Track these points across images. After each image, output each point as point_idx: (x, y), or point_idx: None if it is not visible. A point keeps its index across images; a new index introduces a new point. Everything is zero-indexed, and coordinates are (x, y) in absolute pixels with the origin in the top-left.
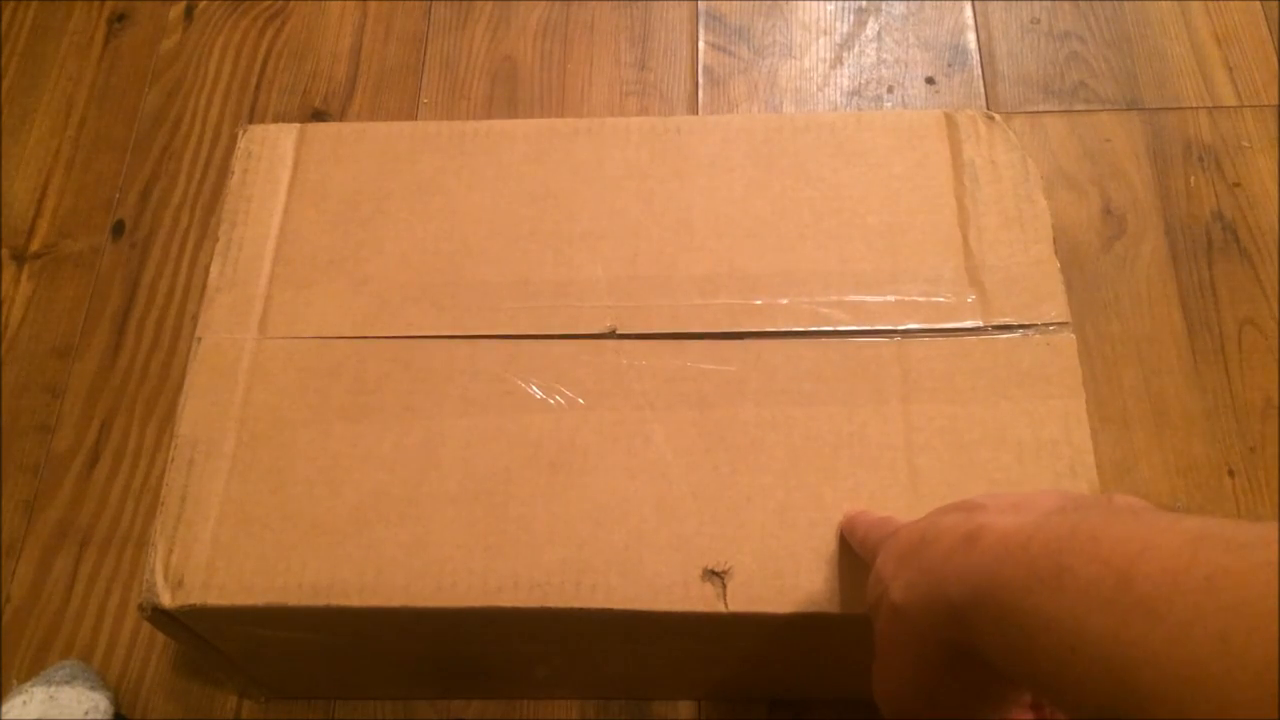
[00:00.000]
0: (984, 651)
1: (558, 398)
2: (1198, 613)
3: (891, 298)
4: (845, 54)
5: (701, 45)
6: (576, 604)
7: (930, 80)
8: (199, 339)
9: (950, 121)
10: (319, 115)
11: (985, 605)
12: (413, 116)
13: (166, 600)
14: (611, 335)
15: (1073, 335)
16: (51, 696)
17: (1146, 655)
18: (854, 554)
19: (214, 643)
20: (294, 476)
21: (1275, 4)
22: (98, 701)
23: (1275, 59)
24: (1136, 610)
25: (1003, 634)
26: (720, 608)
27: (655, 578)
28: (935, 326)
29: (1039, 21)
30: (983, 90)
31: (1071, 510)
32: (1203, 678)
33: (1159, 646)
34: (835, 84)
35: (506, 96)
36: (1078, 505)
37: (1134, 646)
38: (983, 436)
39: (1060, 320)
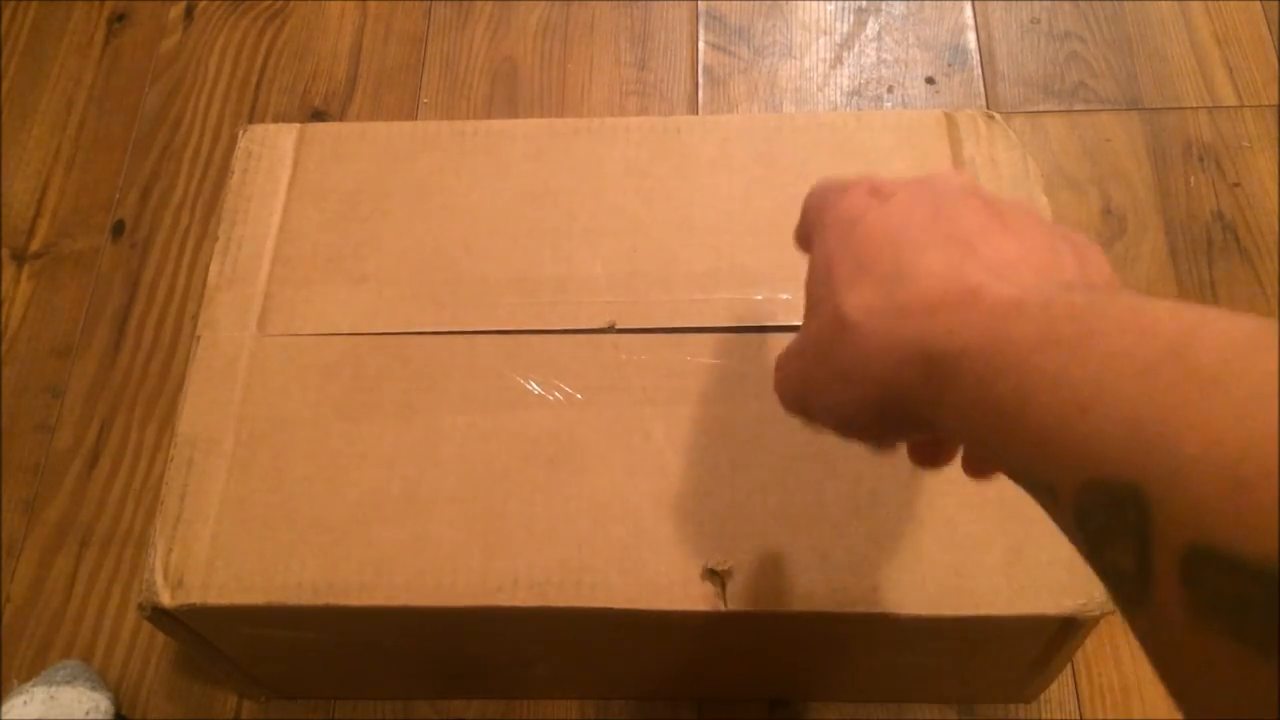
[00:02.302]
0: (944, 415)
1: (557, 394)
2: (1267, 386)
3: None
4: (845, 54)
5: (701, 45)
6: (576, 603)
7: (930, 80)
8: (199, 338)
9: (950, 121)
10: (319, 115)
11: (974, 359)
12: (413, 116)
13: (166, 600)
14: (611, 330)
15: None
16: (52, 696)
17: (1200, 424)
18: (854, 553)
19: (214, 642)
20: (293, 475)
21: (1275, 4)
22: (98, 701)
23: (1275, 59)
24: (1191, 379)
25: (988, 392)
26: (720, 607)
27: (655, 577)
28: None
29: (1039, 21)
30: (983, 90)
31: (1099, 288)
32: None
33: (1219, 417)
34: (835, 84)
35: (506, 96)
36: (1104, 285)
37: (1183, 412)
38: None
39: None
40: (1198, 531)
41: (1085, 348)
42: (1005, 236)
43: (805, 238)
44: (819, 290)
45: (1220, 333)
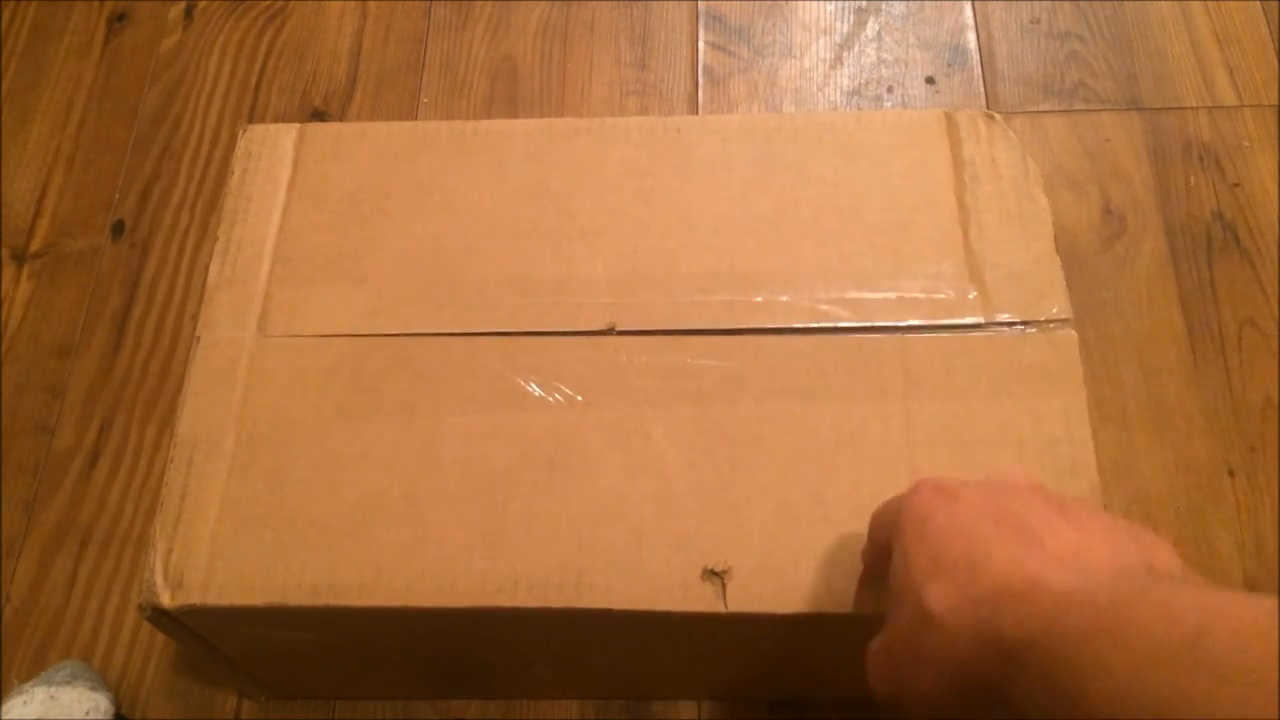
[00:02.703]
0: (1018, 701)
1: (557, 395)
2: (1267, 674)
3: (892, 294)
4: (845, 54)
5: (701, 45)
6: (576, 604)
7: (930, 80)
8: (198, 338)
9: (950, 120)
10: (319, 115)
11: (1036, 653)
12: (413, 116)
13: (166, 600)
14: (611, 332)
15: (1074, 332)
16: (52, 697)
17: (1209, 711)
18: (854, 553)
19: (214, 643)
20: (293, 476)
21: (1275, 4)
22: (98, 702)
23: (1275, 59)
24: (1204, 668)
25: (1049, 683)
26: (720, 608)
27: (655, 577)
28: (936, 323)
29: (1039, 21)
30: (983, 90)
31: (1139, 575)
32: None
33: (1224, 704)
34: (835, 84)
35: (506, 96)
36: (1145, 570)
37: (1198, 704)
38: (983, 434)
39: (1062, 317)
40: None
41: (1124, 637)
42: (1067, 526)
43: (873, 553)
44: (900, 585)
45: (1232, 621)
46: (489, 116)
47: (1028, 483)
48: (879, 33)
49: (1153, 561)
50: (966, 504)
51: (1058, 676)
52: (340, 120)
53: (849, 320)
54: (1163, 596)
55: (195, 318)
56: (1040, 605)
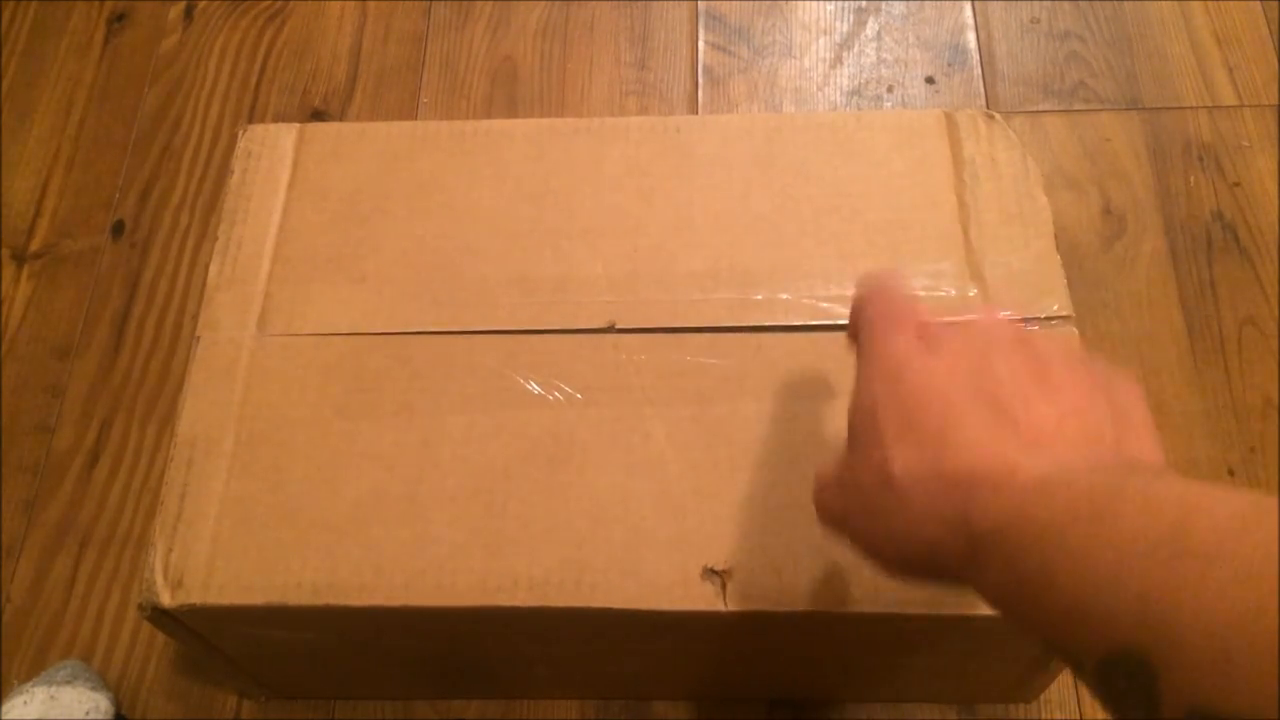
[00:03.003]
0: (983, 586)
1: (556, 394)
2: (1263, 564)
3: None
4: (845, 54)
5: (701, 45)
6: (576, 603)
7: (930, 80)
8: (198, 338)
9: (950, 120)
10: (319, 115)
11: (1008, 539)
12: (413, 116)
13: (166, 600)
14: (610, 330)
15: (1074, 329)
16: (52, 697)
17: (1197, 598)
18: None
19: (214, 642)
20: (293, 475)
21: (1275, 4)
22: (98, 701)
23: (1275, 59)
24: (1190, 557)
25: (1018, 567)
26: (720, 607)
27: (655, 576)
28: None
29: (1039, 21)
30: (982, 90)
31: (1118, 465)
32: (1262, 625)
33: (1213, 592)
34: (835, 84)
35: (506, 96)
36: (1127, 464)
37: (1181, 588)
38: None
39: (1063, 314)
40: (1195, 697)
41: (1100, 527)
42: (1045, 400)
43: (855, 332)
44: (864, 432)
45: (1216, 513)
46: (489, 116)
47: (1012, 334)
48: (879, 32)
49: (1129, 443)
50: (947, 359)
51: (1026, 566)
52: (340, 120)
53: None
54: (1141, 488)
55: (195, 318)
56: (1012, 492)
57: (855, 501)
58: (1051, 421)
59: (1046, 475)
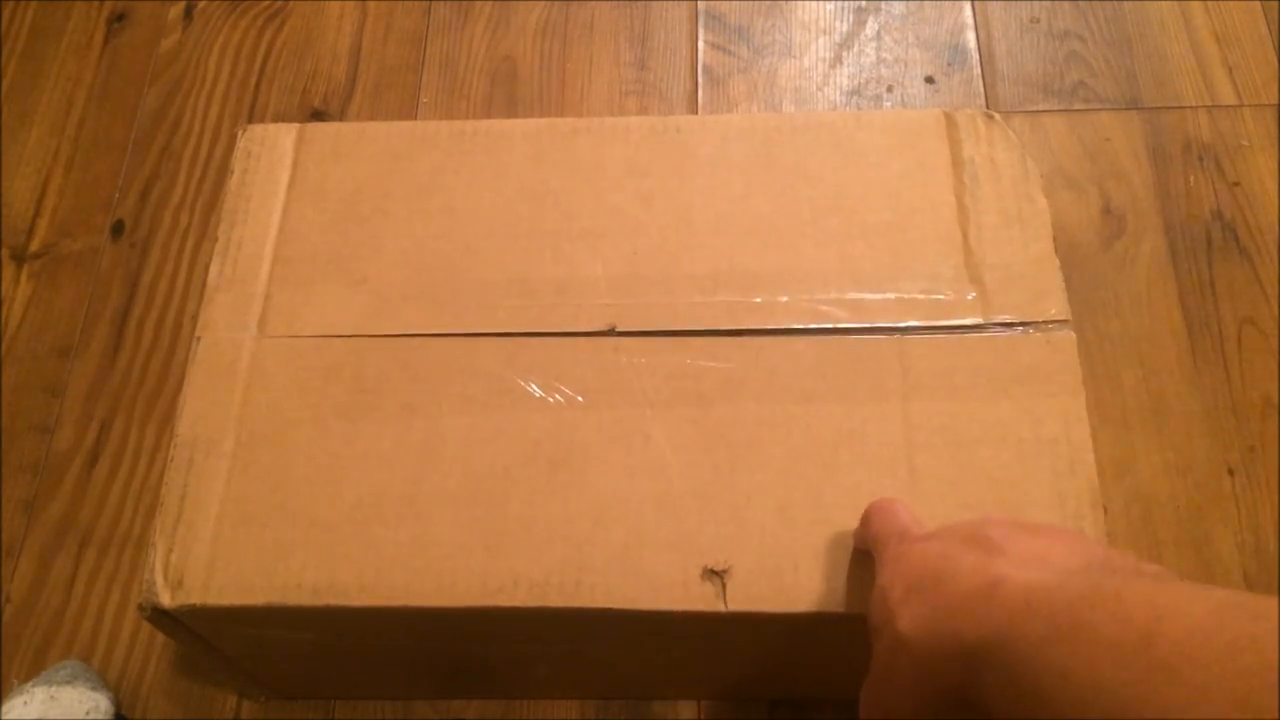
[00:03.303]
0: (988, 701)
1: (557, 396)
2: (1219, 676)
3: (891, 295)
4: (845, 53)
5: (701, 45)
6: (576, 603)
7: (930, 80)
8: (198, 338)
9: (950, 120)
10: (319, 115)
11: (999, 655)
12: (412, 116)
13: (166, 600)
14: (611, 333)
15: (1073, 333)
16: (52, 696)
17: (1162, 715)
18: (855, 553)
19: (214, 643)
20: (293, 476)
21: (1275, 4)
22: (98, 701)
23: (1275, 59)
24: (1157, 670)
25: (1013, 685)
26: (720, 607)
27: (655, 577)
28: (935, 324)
29: (1039, 21)
30: (982, 90)
31: (1096, 569)
32: None
33: (1177, 707)
34: (835, 83)
35: (506, 96)
36: (1103, 565)
37: (1150, 705)
38: (982, 434)
39: (1060, 318)
40: None
41: (1079, 640)
42: (1034, 537)
43: (863, 545)
44: (879, 618)
45: (1181, 620)
46: (489, 116)
47: (1005, 518)
48: (879, 32)
49: (1113, 559)
50: (940, 535)
51: (1019, 679)
52: (340, 120)
53: (848, 321)
54: (1115, 591)
55: (195, 318)
56: (1000, 606)
57: (881, 681)
58: (1039, 547)
59: (1031, 587)
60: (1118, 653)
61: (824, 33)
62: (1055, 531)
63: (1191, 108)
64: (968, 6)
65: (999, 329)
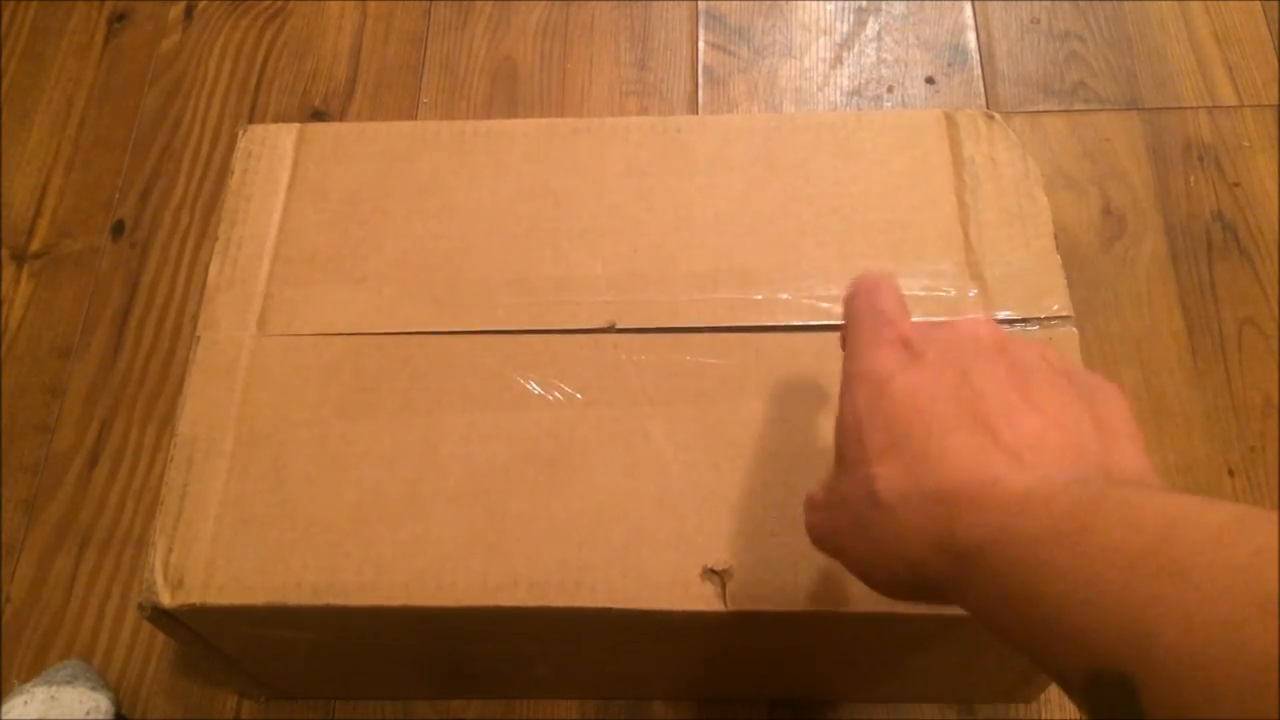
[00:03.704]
0: (970, 601)
1: (557, 394)
2: (1241, 580)
3: None
4: (845, 54)
5: (701, 45)
6: (576, 603)
7: (930, 80)
8: (199, 338)
9: (950, 120)
10: (319, 115)
11: (990, 555)
12: (413, 116)
13: (166, 600)
14: (611, 330)
15: (1075, 329)
16: (52, 696)
17: (1174, 615)
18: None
19: (214, 642)
20: (293, 475)
21: (1275, 4)
22: (99, 701)
23: (1275, 59)
24: (1169, 571)
25: (1003, 584)
26: (720, 607)
27: (655, 576)
28: (937, 319)
29: (1039, 21)
30: (983, 90)
31: (1100, 477)
32: (1240, 641)
33: (1192, 607)
34: (835, 84)
35: (506, 96)
36: (1107, 473)
37: (1160, 604)
38: None
39: (1062, 314)
40: (1178, 712)
41: (1082, 542)
42: (1027, 412)
43: (844, 336)
44: (849, 449)
45: (1196, 526)
46: (489, 116)
47: (993, 340)
48: (879, 33)
49: (1112, 453)
50: (929, 372)
51: (1011, 581)
52: (340, 120)
53: None
54: (1122, 501)
55: (195, 318)
56: (995, 508)
57: (843, 519)
58: (1034, 434)
59: (1029, 489)
60: (1125, 554)
61: (824, 33)
62: (1052, 395)
63: (1192, 108)
64: (968, 7)
65: (1001, 325)
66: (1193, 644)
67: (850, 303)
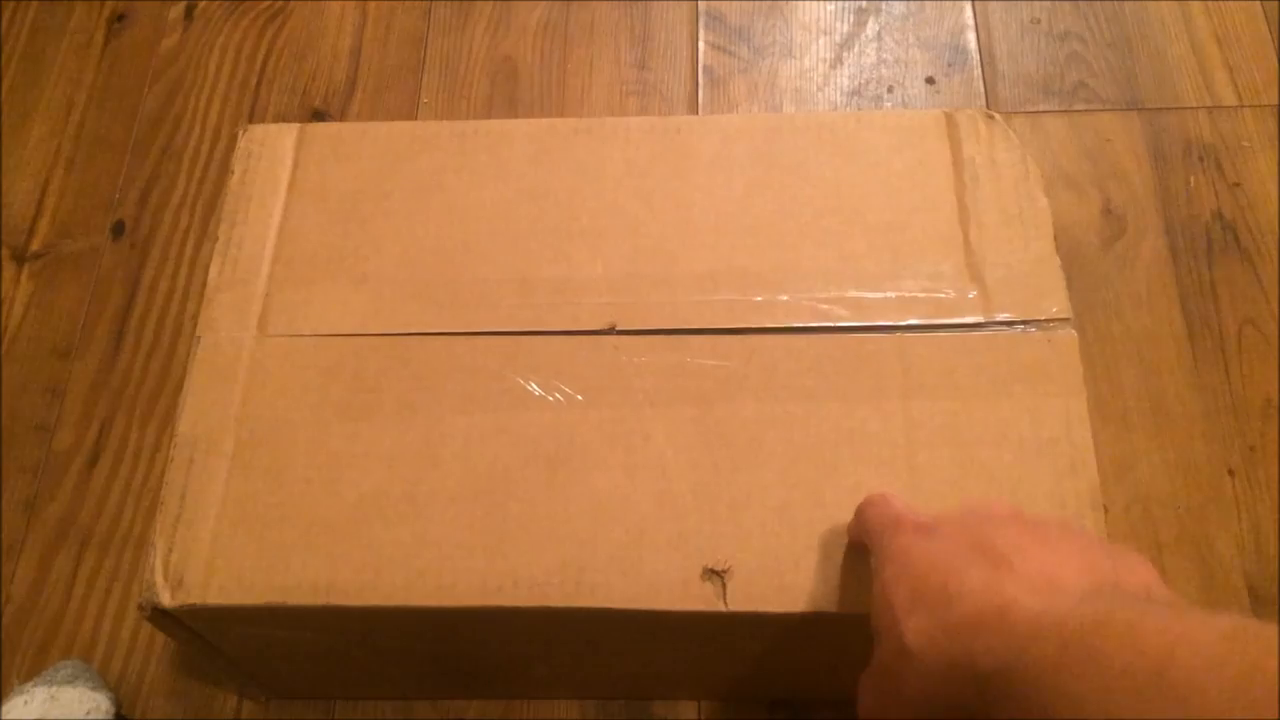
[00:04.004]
0: None
1: (557, 395)
2: (1232, 704)
3: (892, 294)
4: (845, 54)
5: (701, 45)
6: (576, 603)
7: (930, 80)
8: (199, 338)
9: (950, 121)
10: (319, 115)
11: (1010, 680)
12: (413, 116)
13: (166, 600)
14: (611, 331)
15: (1074, 331)
16: (53, 696)
17: None
18: (855, 552)
19: (214, 642)
20: (293, 475)
21: (1275, 4)
22: (99, 701)
23: (1275, 59)
24: (1169, 697)
25: (1023, 710)
26: (720, 607)
27: (655, 577)
28: (936, 322)
29: (1039, 21)
30: (983, 90)
31: (1106, 594)
32: None
33: None
34: (835, 84)
35: (506, 96)
36: (1112, 589)
37: None
38: (983, 434)
39: (1062, 316)
40: None
41: (1091, 669)
42: (1039, 549)
43: (857, 538)
44: (883, 621)
45: (1194, 649)
46: (489, 116)
47: (1006, 511)
48: (879, 33)
49: (1125, 578)
50: (944, 537)
51: (1029, 705)
52: (340, 120)
53: (849, 320)
54: (1129, 621)
55: (195, 318)
56: (1011, 632)
57: (886, 684)
58: (1049, 565)
59: (1042, 613)
60: (1131, 681)
61: (824, 33)
62: (1061, 538)
63: (1192, 108)
64: (968, 7)
65: (1000, 327)
66: None
67: (862, 513)
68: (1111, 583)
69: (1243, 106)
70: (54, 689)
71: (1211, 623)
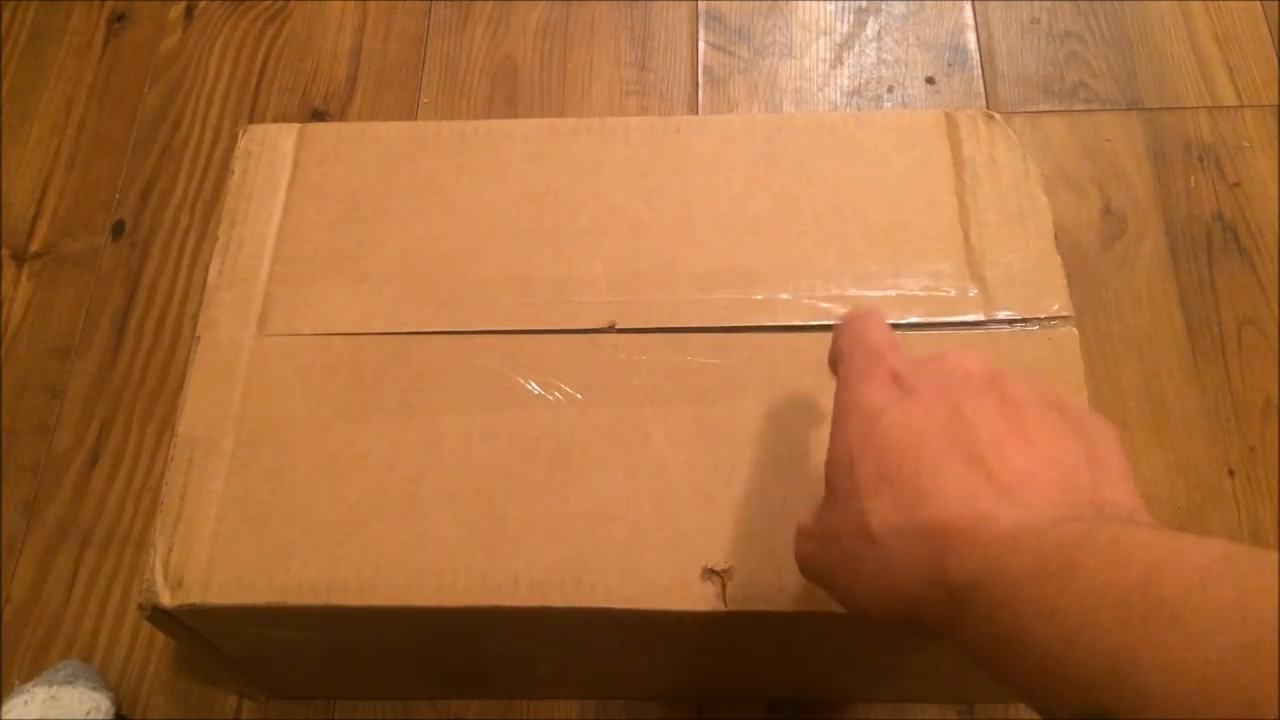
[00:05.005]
0: (962, 637)
1: (557, 394)
2: (1226, 621)
3: (892, 292)
4: (845, 54)
5: (701, 45)
6: (576, 603)
7: (930, 80)
8: (199, 338)
9: (950, 120)
10: (319, 115)
11: (983, 592)
12: (413, 116)
13: (166, 600)
14: (611, 330)
15: (1075, 329)
16: (53, 696)
17: (1161, 657)
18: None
19: (214, 642)
20: (293, 475)
21: (1275, 4)
22: (99, 701)
23: (1275, 59)
24: (1156, 612)
25: (993, 621)
26: (720, 607)
27: (655, 576)
28: (937, 320)
29: (1039, 21)
30: (983, 90)
31: (1090, 513)
32: (1226, 683)
33: (1177, 650)
34: (835, 84)
35: (506, 96)
36: (1097, 509)
37: (1146, 646)
38: None
39: (1062, 314)
40: None
41: (1071, 581)
42: (1019, 446)
43: (834, 364)
44: (841, 481)
45: (1183, 564)
46: (489, 116)
47: (984, 374)
48: (879, 33)
49: (1104, 488)
50: (920, 406)
51: (1002, 619)
52: (340, 120)
53: None
54: (1112, 537)
55: (195, 318)
56: (986, 545)
57: (834, 553)
58: (1026, 469)
59: (1020, 526)
60: (1113, 593)
61: (824, 33)
62: (1044, 431)
63: (1192, 108)
64: (968, 7)
65: (1001, 325)
66: (1179, 687)
67: (840, 335)
68: (1091, 493)
69: (1243, 106)
70: (54, 689)
71: (1202, 543)
